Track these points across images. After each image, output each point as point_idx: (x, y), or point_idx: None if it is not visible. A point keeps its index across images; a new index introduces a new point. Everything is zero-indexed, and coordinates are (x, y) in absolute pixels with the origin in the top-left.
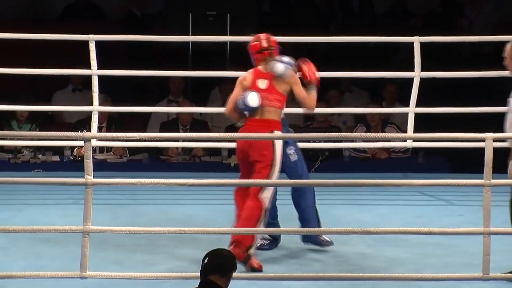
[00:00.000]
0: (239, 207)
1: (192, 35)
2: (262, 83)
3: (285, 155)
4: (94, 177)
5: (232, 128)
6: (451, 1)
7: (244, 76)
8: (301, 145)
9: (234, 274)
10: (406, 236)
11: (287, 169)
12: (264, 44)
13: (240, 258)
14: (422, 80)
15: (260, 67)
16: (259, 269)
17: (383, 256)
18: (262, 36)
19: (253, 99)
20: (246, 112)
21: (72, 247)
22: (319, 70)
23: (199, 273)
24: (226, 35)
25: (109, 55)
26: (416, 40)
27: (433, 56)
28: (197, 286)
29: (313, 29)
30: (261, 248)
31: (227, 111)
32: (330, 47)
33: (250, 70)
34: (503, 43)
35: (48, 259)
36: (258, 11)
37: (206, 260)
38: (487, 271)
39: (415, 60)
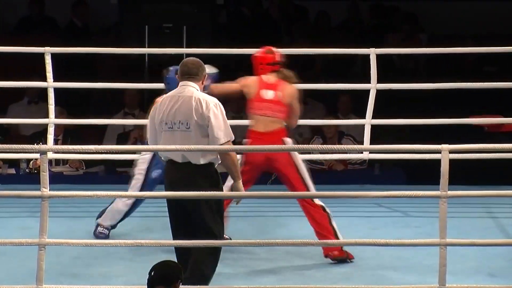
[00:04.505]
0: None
1: (148, 47)
2: (268, 94)
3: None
4: (50, 189)
5: None
6: (410, 15)
7: (248, 79)
8: None
9: None
10: (362, 247)
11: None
12: (278, 58)
13: (343, 255)
14: (378, 91)
15: (264, 77)
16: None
17: (340, 268)
18: (274, 49)
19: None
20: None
21: (28, 260)
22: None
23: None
24: (182, 47)
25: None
26: (372, 52)
27: (390, 69)
28: None
29: (268, 41)
30: (99, 236)
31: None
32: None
33: (255, 78)
34: (459, 56)
35: (4, 272)
36: (213, 23)
37: (152, 273)
38: (443, 282)
39: (371, 72)
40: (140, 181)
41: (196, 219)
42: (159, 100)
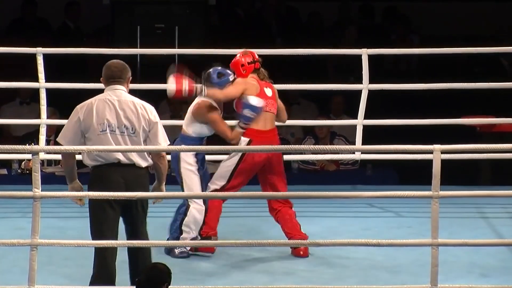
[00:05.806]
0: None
1: (140, 47)
2: (268, 91)
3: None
4: (42, 190)
5: None
6: (402, 17)
7: (246, 81)
8: None
9: None
10: (354, 248)
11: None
12: (255, 56)
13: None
14: (370, 92)
15: (254, 75)
16: None
17: (332, 268)
18: (247, 51)
19: (258, 101)
20: (251, 117)
21: (20, 261)
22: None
23: None
24: (174, 47)
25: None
26: (364, 53)
27: (382, 69)
28: None
29: (260, 42)
30: (180, 256)
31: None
32: (277, 60)
33: (251, 78)
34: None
35: None
36: (206, 24)
37: (141, 275)
38: (435, 282)
39: (363, 72)
40: (198, 179)
41: (140, 219)
42: (84, 104)
